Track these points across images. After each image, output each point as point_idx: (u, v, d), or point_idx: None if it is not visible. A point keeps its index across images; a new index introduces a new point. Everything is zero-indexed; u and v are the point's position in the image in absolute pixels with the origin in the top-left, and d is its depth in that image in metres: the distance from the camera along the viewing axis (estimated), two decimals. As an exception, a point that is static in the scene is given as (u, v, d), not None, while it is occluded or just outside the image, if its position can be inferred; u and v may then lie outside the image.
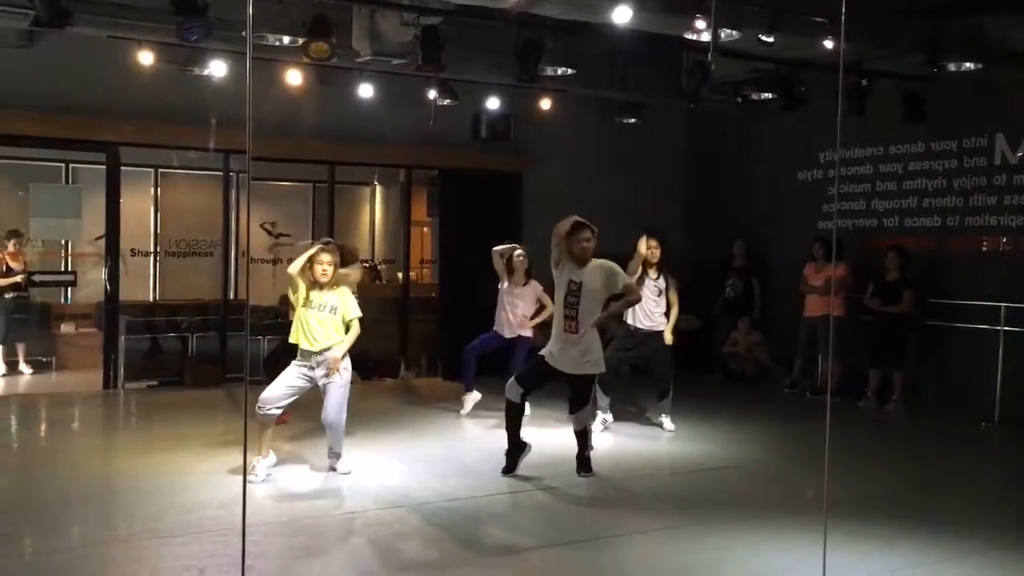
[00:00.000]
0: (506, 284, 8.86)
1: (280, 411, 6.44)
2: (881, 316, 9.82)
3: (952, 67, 8.58)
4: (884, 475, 7.21)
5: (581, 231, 6.48)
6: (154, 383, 10.29)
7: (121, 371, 10.12)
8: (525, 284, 8.85)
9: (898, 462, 7.76)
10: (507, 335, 8.84)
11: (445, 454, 7.42)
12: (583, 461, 6.80)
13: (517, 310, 8.82)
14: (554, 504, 6.15)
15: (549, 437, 7.66)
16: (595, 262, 6.56)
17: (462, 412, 8.87)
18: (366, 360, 10.21)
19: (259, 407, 6.30)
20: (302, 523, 5.57)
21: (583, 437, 6.82)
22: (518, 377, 6.70)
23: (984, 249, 9.68)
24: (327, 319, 6.39)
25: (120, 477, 6.70)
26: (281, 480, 6.43)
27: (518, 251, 8.87)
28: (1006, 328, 9.05)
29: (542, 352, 6.71)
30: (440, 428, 8.48)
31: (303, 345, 6.41)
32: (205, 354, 10.60)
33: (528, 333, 8.82)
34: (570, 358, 6.52)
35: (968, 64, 8.56)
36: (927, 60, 8.53)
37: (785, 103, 9.78)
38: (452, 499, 6.12)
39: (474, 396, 8.91)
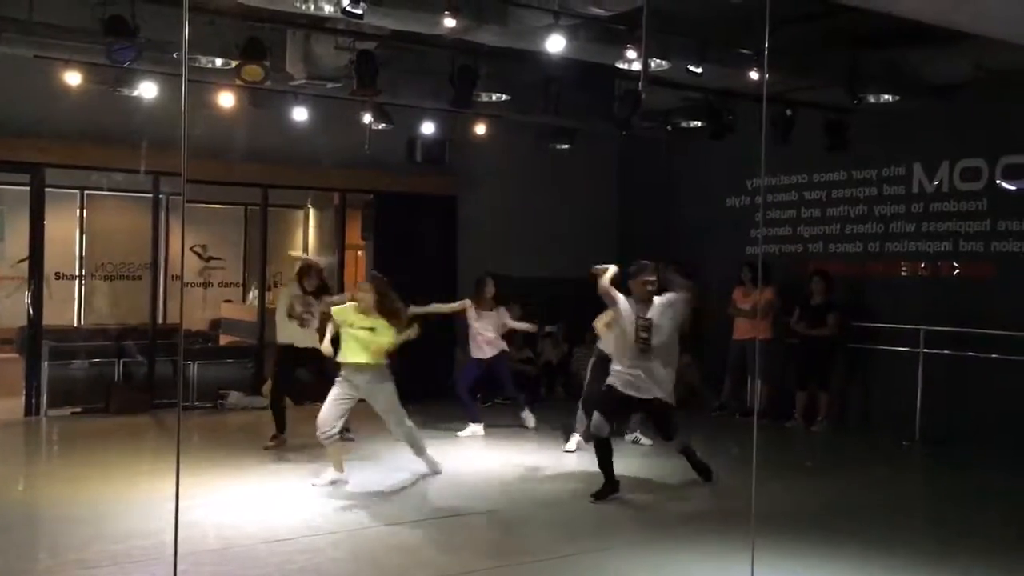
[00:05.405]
0: (474, 312, 9.31)
1: (337, 431, 7.02)
2: (807, 339, 10.09)
3: (872, 99, 8.93)
4: (811, 493, 7.38)
5: (644, 273, 7.08)
6: (78, 410, 10.01)
7: (44, 398, 9.83)
8: (492, 310, 9.34)
9: (825, 480, 7.94)
10: (488, 355, 9.30)
11: (381, 479, 7.36)
12: (702, 471, 7.31)
13: (489, 334, 9.29)
14: (484, 528, 6.15)
15: (484, 463, 7.67)
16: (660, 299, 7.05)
17: (460, 434, 9.21)
18: (295, 384, 10.00)
19: (319, 433, 6.97)
20: (233, 551, 5.48)
21: (689, 455, 7.32)
22: (603, 414, 6.92)
23: (903, 274, 10.03)
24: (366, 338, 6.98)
25: (43, 506, 6.51)
26: (213, 507, 6.33)
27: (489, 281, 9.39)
28: (925, 350, 9.36)
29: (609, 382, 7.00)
30: (377, 452, 8.41)
31: (350, 359, 7.00)
32: (131, 380, 10.36)
33: (503, 347, 9.42)
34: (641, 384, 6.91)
35: (887, 96, 8.92)
36: (848, 92, 8.86)
37: (713, 131, 10.03)
38: (386, 524, 6.09)
39: (478, 428, 9.29)
